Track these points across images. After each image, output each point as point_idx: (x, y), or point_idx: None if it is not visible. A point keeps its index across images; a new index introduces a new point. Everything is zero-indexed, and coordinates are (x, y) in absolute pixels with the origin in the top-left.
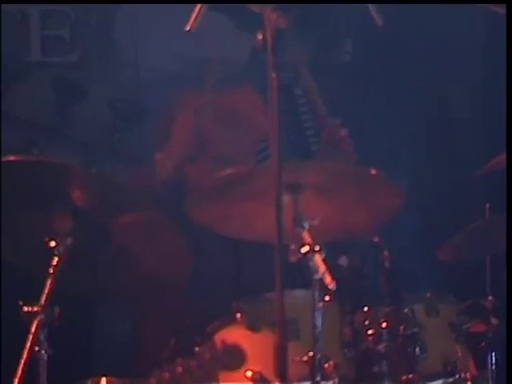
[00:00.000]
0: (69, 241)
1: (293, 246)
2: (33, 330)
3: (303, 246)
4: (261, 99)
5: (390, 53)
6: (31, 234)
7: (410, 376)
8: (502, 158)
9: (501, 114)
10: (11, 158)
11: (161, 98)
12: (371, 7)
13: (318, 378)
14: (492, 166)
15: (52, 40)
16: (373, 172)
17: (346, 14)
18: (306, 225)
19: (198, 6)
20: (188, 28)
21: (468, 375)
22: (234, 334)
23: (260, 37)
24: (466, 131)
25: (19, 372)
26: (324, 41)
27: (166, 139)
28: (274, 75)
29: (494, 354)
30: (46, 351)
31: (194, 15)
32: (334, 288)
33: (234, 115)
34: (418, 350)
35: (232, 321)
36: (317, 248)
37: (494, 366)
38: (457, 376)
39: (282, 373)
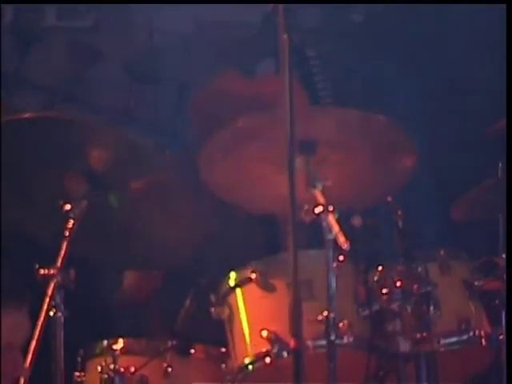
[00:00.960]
0: (84, 204)
1: (306, 207)
2: (49, 292)
3: (316, 206)
4: None
5: (403, 12)
6: (47, 197)
7: (424, 334)
8: None
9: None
10: (27, 114)
11: (175, 61)
12: None
13: (333, 337)
14: (504, 124)
15: (67, 7)
16: (381, 118)
17: None
18: (320, 185)
19: None
20: None
21: (482, 333)
22: (250, 295)
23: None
24: (479, 88)
25: (36, 334)
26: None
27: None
28: (285, 36)
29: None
30: (62, 313)
31: None
32: (348, 248)
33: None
34: (431, 308)
35: (248, 282)
36: (330, 208)
37: (507, 323)
38: (471, 333)
39: (296, 332)
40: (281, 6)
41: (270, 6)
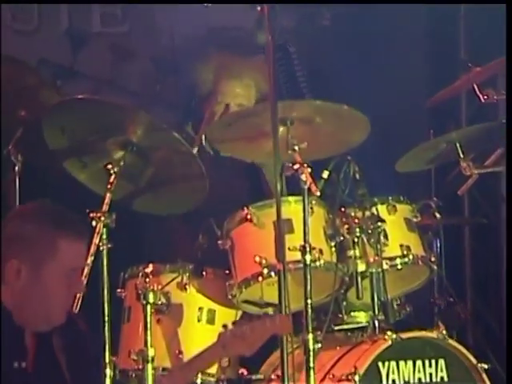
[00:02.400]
0: (122, 163)
1: (288, 164)
2: (97, 230)
3: (295, 163)
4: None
5: (358, 18)
6: (95, 158)
7: (376, 258)
8: (445, 92)
9: (445, 52)
10: (80, 96)
11: (191, 57)
12: None
13: (308, 261)
14: (437, 99)
15: (107, 15)
16: (346, 107)
17: None
18: (297, 148)
19: None
20: (205, 5)
21: (418, 256)
22: (246, 231)
23: (259, 8)
24: (416, 72)
25: (88, 262)
26: (310, 11)
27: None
28: (270, 37)
29: (437, 240)
30: (107, 246)
31: None
32: (318, 194)
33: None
34: (381, 238)
35: (245, 221)
36: (305, 165)
37: (437, 250)
38: (410, 257)
39: (281, 258)
40: (266, 14)
41: (258, 13)
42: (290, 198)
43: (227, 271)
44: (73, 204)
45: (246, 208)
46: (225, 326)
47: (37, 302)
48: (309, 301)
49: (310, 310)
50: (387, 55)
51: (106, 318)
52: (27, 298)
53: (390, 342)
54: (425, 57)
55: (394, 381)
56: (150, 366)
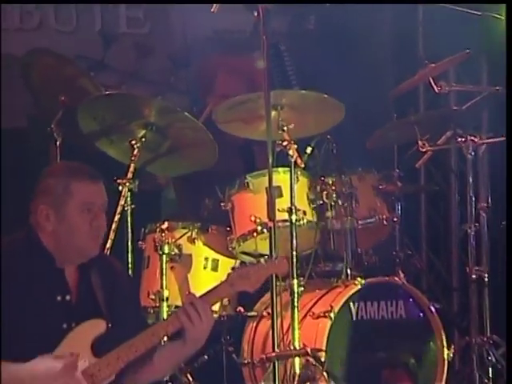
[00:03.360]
0: (143, 139)
1: (278, 141)
2: (123, 193)
3: (284, 141)
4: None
5: (337, 22)
6: (121, 136)
7: (349, 218)
8: (406, 84)
9: (407, 51)
10: (110, 91)
11: (200, 55)
12: None
13: (294, 220)
14: (400, 89)
15: (132, 19)
16: (325, 96)
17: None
18: (285, 128)
19: None
20: (212, 10)
21: (383, 217)
22: (243, 196)
23: (256, 13)
24: (384, 67)
25: (115, 220)
26: (298, 16)
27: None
28: (264, 37)
29: (399, 204)
30: (131, 207)
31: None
32: (303, 166)
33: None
34: (353, 202)
35: (243, 187)
36: (292, 142)
37: (398, 211)
38: (376, 217)
39: (272, 216)
40: (262, 18)
41: (255, 18)
42: (280, 169)
43: (228, 228)
44: (104, 173)
45: (244, 177)
46: (233, 269)
47: (67, 237)
48: (294, 252)
49: (295, 260)
50: (360, 53)
51: (130, 265)
52: (59, 236)
53: (359, 286)
54: (390, 54)
55: (362, 317)
56: (164, 304)
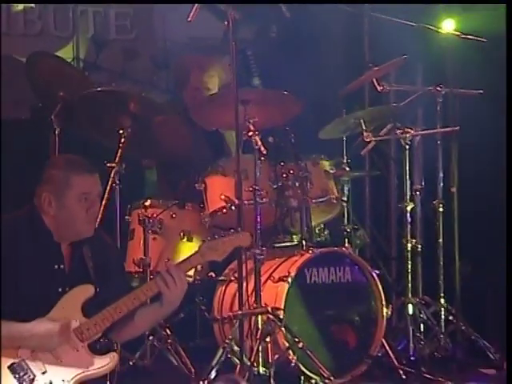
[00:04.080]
0: (129, 129)
1: (244, 132)
2: (112, 175)
3: (249, 131)
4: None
5: (295, 30)
6: (109, 126)
7: (305, 197)
8: (354, 84)
9: (354, 55)
10: (102, 88)
11: (177, 57)
12: (283, 6)
13: (258, 199)
14: (349, 88)
15: (120, 26)
16: (285, 93)
17: (273, 11)
18: (251, 121)
19: (195, 6)
20: (189, 19)
21: (334, 197)
22: (215, 178)
23: (226, 23)
24: (335, 68)
25: (105, 197)
26: (262, 26)
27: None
28: (233, 43)
29: (347, 186)
30: (119, 186)
31: (192, 12)
32: (265, 153)
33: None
34: (308, 184)
35: (214, 171)
36: (256, 133)
37: (347, 192)
38: (327, 197)
39: (239, 196)
40: (231, 27)
41: (226, 27)
42: (246, 155)
43: (201, 205)
44: (96, 158)
45: (215, 162)
46: (203, 241)
47: (66, 221)
48: (258, 226)
49: (258, 232)
50: (315, 57)
51: (118, 236)
52: (59, 220)
53: (312, 255)
54: (341, 58)
55: (314, 281)
56: (148, 269)
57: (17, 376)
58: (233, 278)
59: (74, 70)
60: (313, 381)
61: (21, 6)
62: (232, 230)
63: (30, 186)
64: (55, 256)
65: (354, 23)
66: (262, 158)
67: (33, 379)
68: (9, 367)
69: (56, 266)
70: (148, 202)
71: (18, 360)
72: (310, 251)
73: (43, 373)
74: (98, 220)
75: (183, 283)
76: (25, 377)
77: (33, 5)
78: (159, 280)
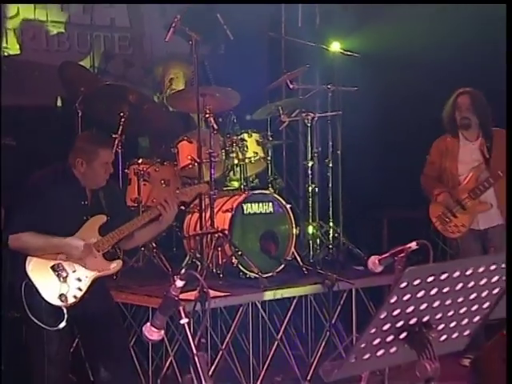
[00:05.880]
0: (127, 112)
1: (203, 114)
2: (116, 142)
3: (206, 114)
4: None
5: (236, 48)
6: (115, 110)
7: (243, 157)
8: (275, 83)
9: (275, 62)
10: (108, 81)
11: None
12: (228, 31)
13: (212, 159)
14: (272, 86)
15: (122, 46)
16: (230, 89)
17: (222, 35)
18: (208, 107)
19: (170, 31)
20: (166, 39)
21: (262, 156)
22: (184, 144)
23: (190, 42)
24: (264, 72)
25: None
26: (215, 44)
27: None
28: (195, 56)
29: (271, 151)
30: (121, 151)
31: (168, 35)
32: (217, 128)
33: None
34: (245, 148)
35: (184, 139)
36: (211, 115)
37: (271, 154)
38: (258, 157)
39: (199, 156)
40: (194, 45)
41: (190, 45)
42: (204, 129)
43: (175, 163)
44: (105, 131)
45: (184, 134)
46: (177, 188)
47: (91, 177)
48: (213, 176)
49: (213, 180)
50: (249, 65)
51: (121, 183)
52: (86, 176)
53: (247, 195)
54: (267, 66)
55: (249, 212)
56: (140, 204)
57: (56, 273)
58: (196, 210)
59: (91, 73)
60: (248, 275)
61: (55, 31)
62: (196, 181)
63: (62, 150)
64: (82, 196)
65: (276, 43)
66: (215, 132)
67: (66, 275)
68: (51, 267)
69: (82, 202)
70: (140, 160)
71: (57, 262)
72: (246, 192)
73: (73, 271)
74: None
75: (174, 208)
76: (61, 273)
77: (63, 30)
78: (160, 205)
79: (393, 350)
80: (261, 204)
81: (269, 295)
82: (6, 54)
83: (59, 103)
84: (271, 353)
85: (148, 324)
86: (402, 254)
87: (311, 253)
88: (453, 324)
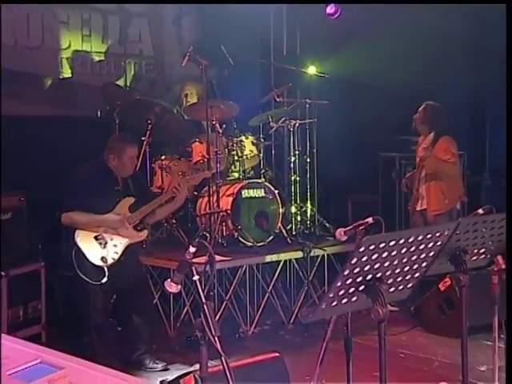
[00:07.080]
0: (153, 121)
1: (210, 121)
2: (145, 144)
3: (213, 121)
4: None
5: (236, 72)
6: (143, 119)
7: (241, 154)
8: (266, 98)
9: (267, 80)
10: (138, 97)
11: (175, 82)
12: (229, 58)
13: (218, 155)
14: (264, 100)
15: (148, 69)
16: (231, 102)
17: (225, 62)
18: (214, 116)
19: (186, 58)
20: (183, 65)
21: (256, 153)
22: (197, 144)
23: (201, 67)
24: (256, 90)
25: (140, 156)
26: (219, 68)
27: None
28: (205, 77)
29: (263, 149)
30: (148, 150)
31: (184, 61)
32: (221, 132)
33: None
34: (243, 147)
35: (196, 140)
36: (217, 122)
37: (263, 151)
38: (253, 154)
39: (209, 154)
40: (203, 68)
41: (201, 70)
42: (212, 133)
43: (190, 159)
44: (137, 135)
45: (196, 136)
46: (188, 175)
47: (121, 169)
48: (218, 170)
49: (219, 172)
50: (246, 85)
51: (148, 174)
52: (117, 168)
53: (245, 183)
54: (259, 85)
55: (246, 196)
56: (163, 191)
57: (98, 241)
58: (205, 195)
59: (124, 91)
60: (245, 245)
61: (97, 59)
62: (202, 170)
63: (101, 150)
64: (116, 183)
65: (266, 68)
66: (220, 135)
67: (106, 243)
68: (94, 237)
69: (116, 188)
70: (163, 157)
71: (99, 233)
72: (244, 181)
73: (111, 240)
74: (138, 166)
75: (186, 190)
76: (102, 241)
77: (103, 58)
78: (175, 188)
79: (354, 298)
80: (255, 190)
81: (261, 259)
82: (61, 77)
83: (101, 114)
84: (263, 303)
85: (169, 280)
86: (361, 227)
87: (294, 227)
88: (399, 279)
